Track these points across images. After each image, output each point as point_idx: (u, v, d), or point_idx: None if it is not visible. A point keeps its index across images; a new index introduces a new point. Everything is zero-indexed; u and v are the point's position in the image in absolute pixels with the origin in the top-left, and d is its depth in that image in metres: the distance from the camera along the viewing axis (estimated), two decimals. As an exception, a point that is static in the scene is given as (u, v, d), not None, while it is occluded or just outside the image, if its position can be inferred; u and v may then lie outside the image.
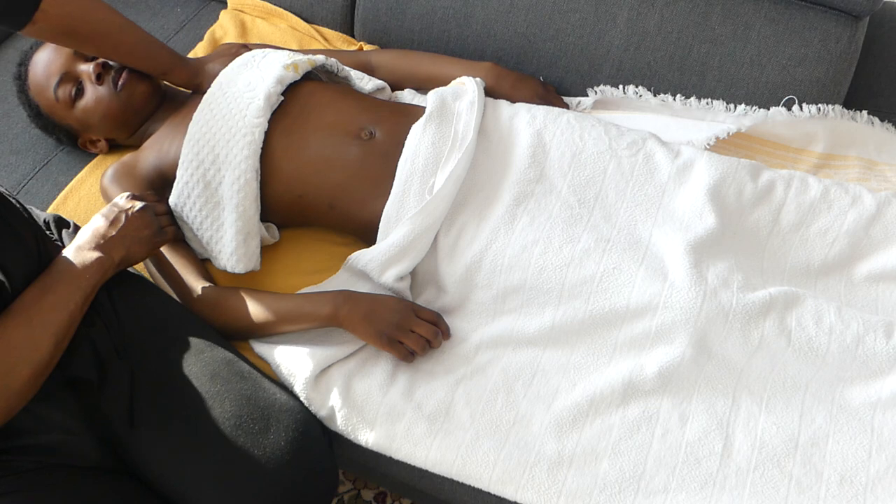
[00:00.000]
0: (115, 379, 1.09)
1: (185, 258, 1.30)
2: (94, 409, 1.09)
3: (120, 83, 1.36)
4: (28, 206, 1.21)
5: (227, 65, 1.37)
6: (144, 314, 1.17)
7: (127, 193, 1.22)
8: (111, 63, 1.38)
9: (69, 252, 1.10)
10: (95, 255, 1.10)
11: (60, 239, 1.19)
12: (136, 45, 1.32)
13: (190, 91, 1.44)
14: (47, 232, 1.17)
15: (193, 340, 1.17)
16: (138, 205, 1.20)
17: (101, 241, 1.13)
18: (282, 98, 1.32)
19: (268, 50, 1.41)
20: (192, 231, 1.32)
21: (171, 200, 1.31)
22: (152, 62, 1.36)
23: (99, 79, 1.36)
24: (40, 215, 1.24)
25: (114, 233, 1.14)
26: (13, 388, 0.97)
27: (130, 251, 1.16)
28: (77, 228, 1.25)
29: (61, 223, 1.26)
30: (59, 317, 1.03)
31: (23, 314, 1.01)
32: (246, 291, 1.25)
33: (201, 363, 1.14)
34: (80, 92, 1.37)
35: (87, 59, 1.39)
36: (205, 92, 1.34)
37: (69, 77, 1.37)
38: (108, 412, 1.08)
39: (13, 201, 1.13)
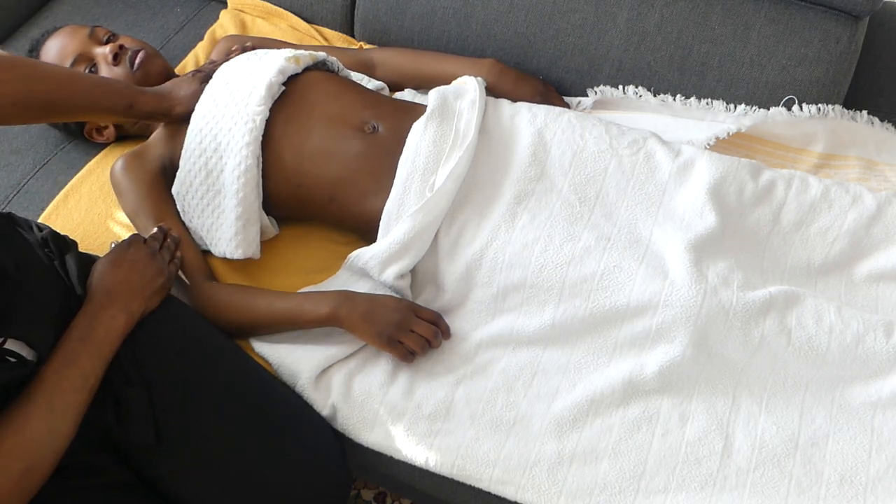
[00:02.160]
0: (134, 410, 1.06)
1: (190, 252, 1.30)
2: (114, 434, 1.07)
3: (137, 62, 1.38)
4: (25, 221, 1.17)
5: (192, 94, 1.34)
6: (154, 324, 1.14)
7: (132, 236, 1.19)
8: (126, 45, 1.40)
9: (89, 313, 1.06)
10: (118, 316, 1.07)
11: (63, 260, 1.14)
12: (93, 87, 1.23)
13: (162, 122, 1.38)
14: (45, 250, 1.13)
15: (207, 347, 1.16)
16: (147, 250, 1.17)
17: (120, 298, 1.08)
18: (283, 88, 1.32)
19: (269, 50, 1.41)
20: (193, 220, 1.32)
21: (174, 189, 1.31)
22: (114, 98, 1.26)
23: (115, 59, 1.38)
24: (37, 232, 1.17)
25: (130, 286, 1.10)
26: (33, 485, 0.93)
27: (149, 304, 1.12)
28: (77, 246, 1.19)
29: (59, 241, 1.18)
30: (81, 397, 0.99)
31: (44, 399, 0.96)
32: (247, 289, 1.25)
33: (217, 372, 1.13)
34: (94, 73, 1.38)
35: (103, 42, 1.41)
36: (178, 117, 1.33)
37: (84, 58, 1.39)
38: (129, 437, 1.06)
39: (36, 252, 1.10)
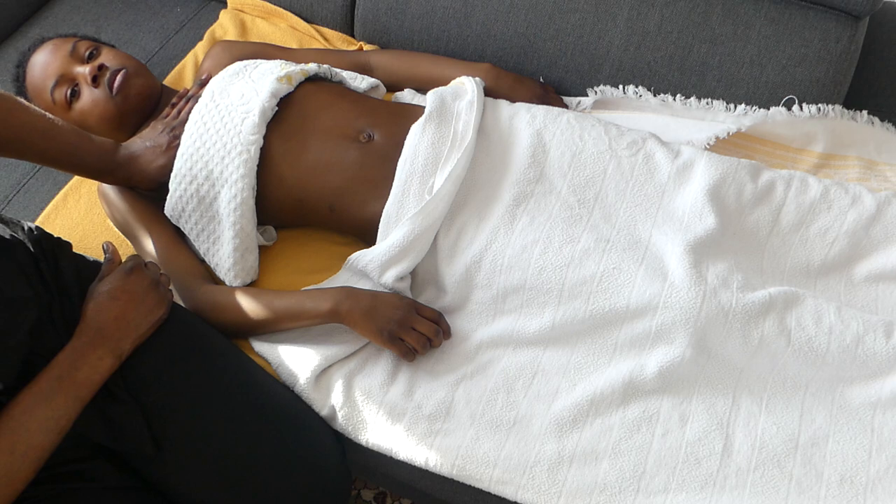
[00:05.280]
0: (128, 426, 1.03)
1: (182, 256, 1.30)
2: (109, 444, 1.06)
3: (115, 86, 1.35)
4: (14, 222, 1.12)
5: (159, 170, 1.30)
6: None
7: (133, 262, 1.12)
8: (107, 65, 1.37)
9: (76, 349, 1.00)
10: (105, 358, 1.01)
11: (55, 264, 1.10)
12: (61, 152, 1.20)
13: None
14: (37, 248, 1.08)
15: (205, 349, 1.15)
16: (148, 280, 1.10)
17: (112, 337, 1.03)
18: (276, 108, 1.31)
19: (259, 60, 1.40)
20: (190, 241, 1.32)
21: (167, 212, 1.31)
22: (80, 169, 1.25)
23: (95, 81, 1.35)
24: (27, 233, 1.11)
25: (125, 324, 1.04)
26: None
27: (142, 338, 1.07)
28: (70, 247, 1.15)
29: (52, 243, 1.13)
30: (48, 440, 0.93)
31: (6, 439, 0.90)
32: (246, 289, 1.25)
33: (216, 374, 1.12)
34: (76, 94, 1.36)
35: (84, 61, 1.38)
36: (154, 188, 1.31)
37: (66, 79, 1.37)
38: (126, 449, 1.05)
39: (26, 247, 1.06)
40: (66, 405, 0.96)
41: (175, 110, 1.36)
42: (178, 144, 1.30)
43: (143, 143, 1.31)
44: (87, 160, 1.24)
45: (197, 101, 1.34)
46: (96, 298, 1.06)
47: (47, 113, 1.19)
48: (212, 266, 1.31)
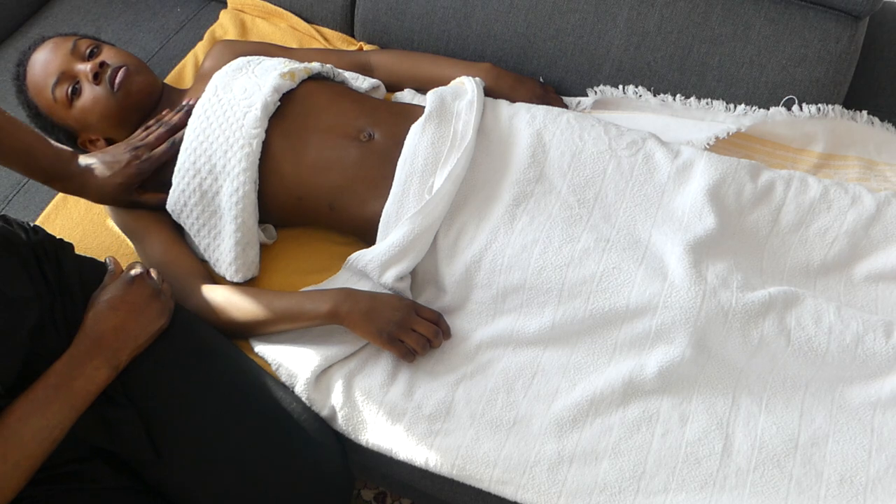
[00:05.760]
0: (126, 431, 1.03)
1: (182, 256, 1.30)
2: (109, 447, 1.05)
3: (116, 83, 1.34)
4: (19, 223, 1.11)
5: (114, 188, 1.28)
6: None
7: (134, 273, 1.10)
8: (108, 62, 1.37)
9: (73, 358, 0.99)
10: (101, 369, 1.00)
11: (59, 265, 1.09)
12: (15, 150, 1.18)
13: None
14: (40, 249, 1.08)
15: (204, 351, 1.14)
16: (150, 290, 1.09)
17: (109, 348, 1.02)
18: (278, 103, 1.31)
19: (262, 57, 1.40)
20: (191, 237, 1.32)
21: (168, 206, 1.31)
22: (33, 171, 1.23)
23: (96, 78, 1.35)
24: (32, 235, 1.10)
25: (124, 335, 1.03)
26: None
27: (140, 348, 1.06)
28: (73, 248, 1.14)
29: (55, 245, 1.12)
30: (41, 449, 0.93)
31: None
32: (246, 289, 1.25)
33: (215, 376, 1.12)
34: (77, 91, 1.36)
35: (85, 59, 1.38)
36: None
37: (67, 76, 1.36)
38: (125, 452, 1.04)
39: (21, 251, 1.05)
40: (61, 414, 0.96)
41: (145, 132, 1.34)
42: (138, 165, 1.28)
43: (104, 157, 1.30)
44: (41, 162, 1.22)
45: (170, 128, 1.33)
46: (96, 308, 1.05)
47: (7, 112, 1.18)
48: (212, 262, 1.31)
